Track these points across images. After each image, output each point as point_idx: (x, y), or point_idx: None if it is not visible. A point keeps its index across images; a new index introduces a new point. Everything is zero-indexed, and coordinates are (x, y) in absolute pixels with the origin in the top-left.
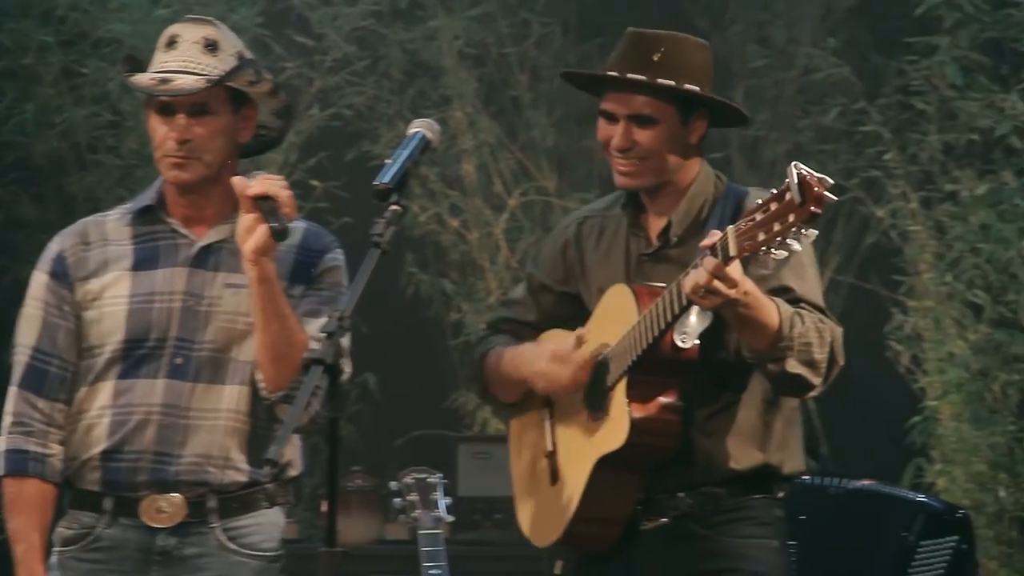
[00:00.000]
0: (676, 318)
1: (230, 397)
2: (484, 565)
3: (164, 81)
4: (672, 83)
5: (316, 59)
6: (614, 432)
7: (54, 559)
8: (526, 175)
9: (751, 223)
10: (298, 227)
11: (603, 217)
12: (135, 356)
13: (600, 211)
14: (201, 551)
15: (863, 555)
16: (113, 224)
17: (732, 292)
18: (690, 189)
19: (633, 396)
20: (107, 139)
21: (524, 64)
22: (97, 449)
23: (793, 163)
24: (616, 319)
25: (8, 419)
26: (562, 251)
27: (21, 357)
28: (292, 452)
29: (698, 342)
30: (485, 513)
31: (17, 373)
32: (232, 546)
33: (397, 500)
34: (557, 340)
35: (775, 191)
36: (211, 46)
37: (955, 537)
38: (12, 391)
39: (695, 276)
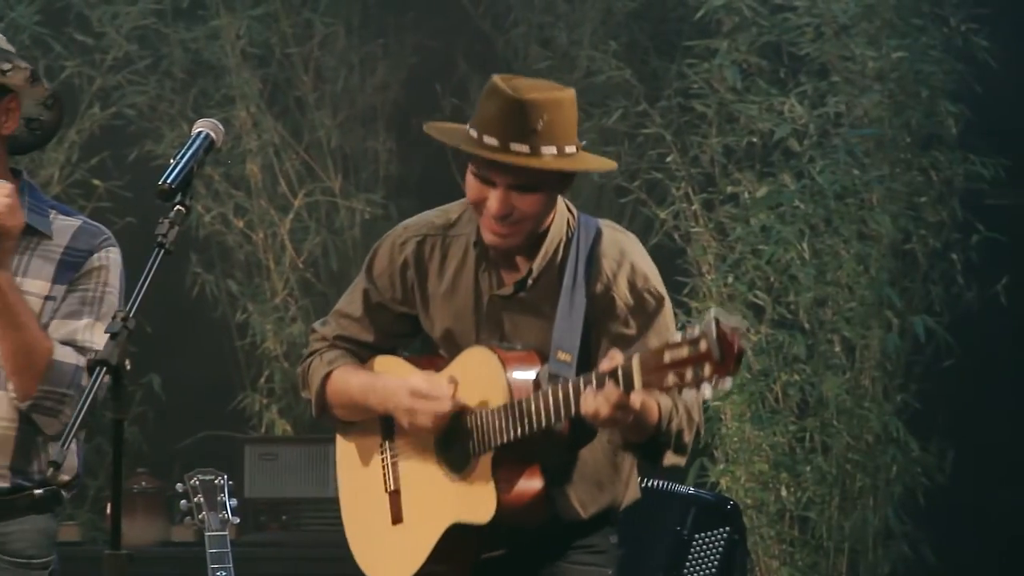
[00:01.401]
0: (561, 422)
1: None
2: (271, 566)
3: None
4: (565, 167)
5: (97, 57)
6: (478, 506)
7: None
8: (311, 175)
9: (659, 361)
10: (71, 225)
11: (444, 236)
12: None
13: (441, 229)
14: None
15: (645, 552)
16: None
17: (630, 419)
18: (549, 232)
19: (499, 475)
20: None
21: (308, 64)
22: None
23: (713, 314)
24: (480, 385)
25: None
26: (401, 269)
27: None
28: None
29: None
30: (272, 514)
31: None
32: None
33: (183, 502)
34: (422, 376)
35: (689, 336)
36: None
37: (727, 528)
38: None
39: (595, 404)
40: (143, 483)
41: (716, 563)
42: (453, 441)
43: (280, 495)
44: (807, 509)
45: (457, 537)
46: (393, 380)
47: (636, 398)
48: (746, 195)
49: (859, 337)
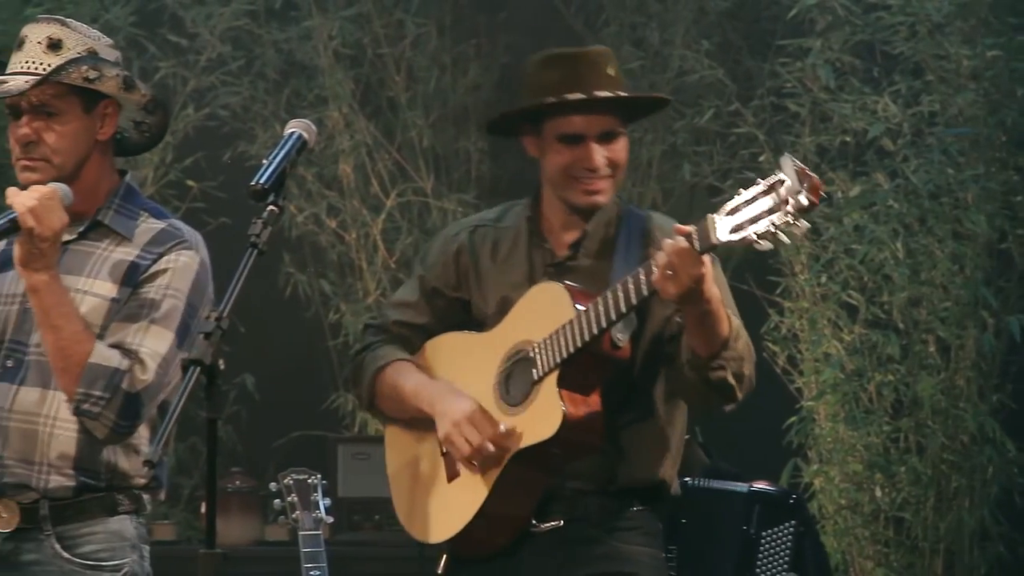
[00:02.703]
0: (628, 311)
1: (54, 402)
2: (364, 566)
3: (2, 83)
4: (653, 95)
5: (190, 59)
6: (541, 423)
7: None
8: (403, 176)
9: (735, 211)
10: (154, 228)
11: (495, 228)
12: None
13: (491, 222)
14: (37, 558)
15: (713, 555)
16: None
17: (702, 276)
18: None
19: (564, 387)
20: None
21: (400, 64)
22: None
23: (785, 154)
24: (544, 315)
25: None
26: (455, 256)
27: None
28: (134, 461)
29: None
30: (365, 514)
31: None
32: (66, 555)
33: (277, 501)
34: (470, 406)
35: (763, 181)
36: (54, 45)
37: (792, 522)
38: None
39: (671, 249)
40: (237, 482)
41: (787, 558)
42: (517, 382)
43: (373, 495)
44: (902, 510)
45: (514, 481)
46: (446, 389)
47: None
48: (839, 194)
49: (954, 337)
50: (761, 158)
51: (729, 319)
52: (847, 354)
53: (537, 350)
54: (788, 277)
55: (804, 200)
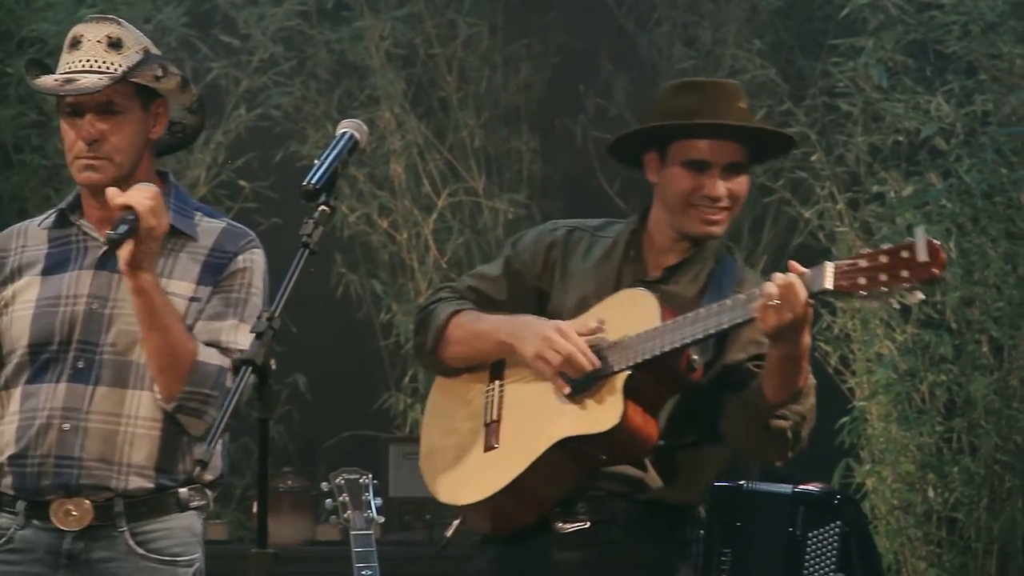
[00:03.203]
0: (716, 334)
1: (132, 401)
2: (415, 566)
3: (68, 81)
4: (782, 130)
5: (243, 59)
6: (598, 417)
7: None
8: (455, 176)
9: (852, 266)
10: (216, 227)
11: (593, 234)
12: (40, 360)
13: (591, 229)
14: (110, 555)
15: (760, 557)
16: (34, 229)
17: (804, 316)
18: (715, 239)
19: (629, 392)
20: (33, 139)
21: (452, 64)
22: (6, 454)
23: (920, 227)
24: (627, 317)
25: None
26: (547, 248)
27: None
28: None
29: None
30: (416, 514)
31: None
32: (140, 551)
33: (328, 501)
34: (563, 324)
35: (888, 246)
36: (115, 44)
37: (838, 522)
38: None
39: (783, 282)
40: (289, 482)
41: (834, 558)
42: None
43: (424, 494)
44: (955, 510)
45: (551, 465)
46: (534, 320)
47: (810, 311)
48: (892, 194)
49: (1007, 337)
50: (813, 158)
51: (807, 375)
52: (900, 354)
53: (612, 347)
54: None
55: (929, 273)
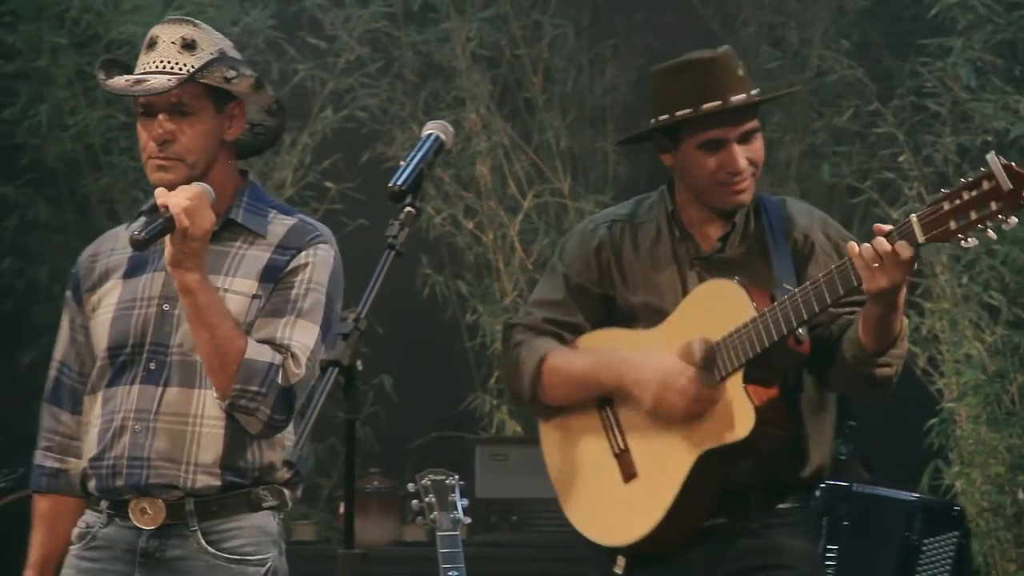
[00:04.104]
0: (823, 310)
1: (199, 401)
2: (502, 567)
3: (138, 82)
4: (782, 92)
5: (329, 61)
6: (733, 424)
7: (66, 557)
8: (540, 177)
9: (936, 212)
10: (286, 224)
11: (631, 223)
12: (118, 363)
13: (625, 217)
14: (182, 553)
15: (875, 559)
16: (124, 233)
17: (905, 276)
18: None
19: (751, 388)
20: (121, 140)
21: (537, 65)
22: (88, 457)
23: (991, 152)
24: (719, 313)
25: (40, 433)
26: (595, 252)
27: (51, 371)
28: (278, 456)
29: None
30: (502, 515)
31: (47, 388)
32: (212, 550)
33: (415, 502)
34: (670, 360)
35: (969, 179)
36: (188, 45)
37: (956, 532)
38: (43, 405)
39: (880, 247)
40: (376, 483)
41: (948, 567)
42: None
43: (511, 495)
44: None
45: (703, 473)
46: (634, 354)
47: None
48: None
49: None
50: (901, 158)
51: (903, 319)
52: (989, 355)
53: (717, 348)
54: (929, 278)
55: (1019, 200)
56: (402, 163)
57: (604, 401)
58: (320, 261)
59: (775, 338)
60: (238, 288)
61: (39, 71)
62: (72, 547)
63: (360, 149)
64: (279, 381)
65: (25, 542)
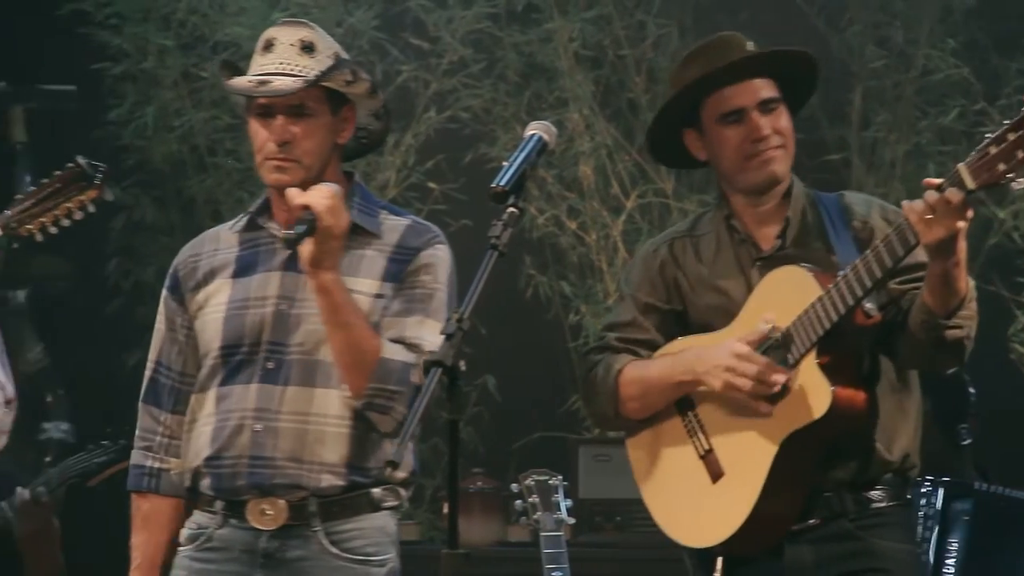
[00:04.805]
0: (888, 274)
1: (322, 400)
2: (606, 567)
3: (262, 83)
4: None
5: (432, 62)
6: (810, 405)
7: (176, 558)
8: (644, 177)
9: (984, 157)
10: (400, 224)
11: (691, 237)
12: (232, 362)
13: (685, 232)
14: (304, 554)
15: (1007, 558)
16: (226, 232)
17: (963, 224)
18: (792, 189)
19: (824, 367)
20: (226, 142)
21: (640, 66)
22: (202, 456)
23: None
24: (787, 299)
25: (136, 434)
26: (659, 270)
27: (147, 371)
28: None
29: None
30: (606, 515)
31: (143, 387)
32: (334, 550)
33: (518, 502)
34: (733, 342)
35: (1009, 122)
36: (307, 48)
37: None
38: (140, 405)
39: (931, 198)
40: (479, 483)
41: None
42: None
43: (614, 496)
44: None
45: (787, 464)
46: (705, 347)
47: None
48: None
49: None
50: None
51: (967, 279)
52: None
53: (788, 333)
54: None
55: None
56: (505, 164)
57: (685, 406)
58: (440, 261)
59: (842, 311)
60: (362, 288)
61: (145, 73)
62: (183, 548)
63: (463, 150)
64: (414, 380)
65: (128, 514)
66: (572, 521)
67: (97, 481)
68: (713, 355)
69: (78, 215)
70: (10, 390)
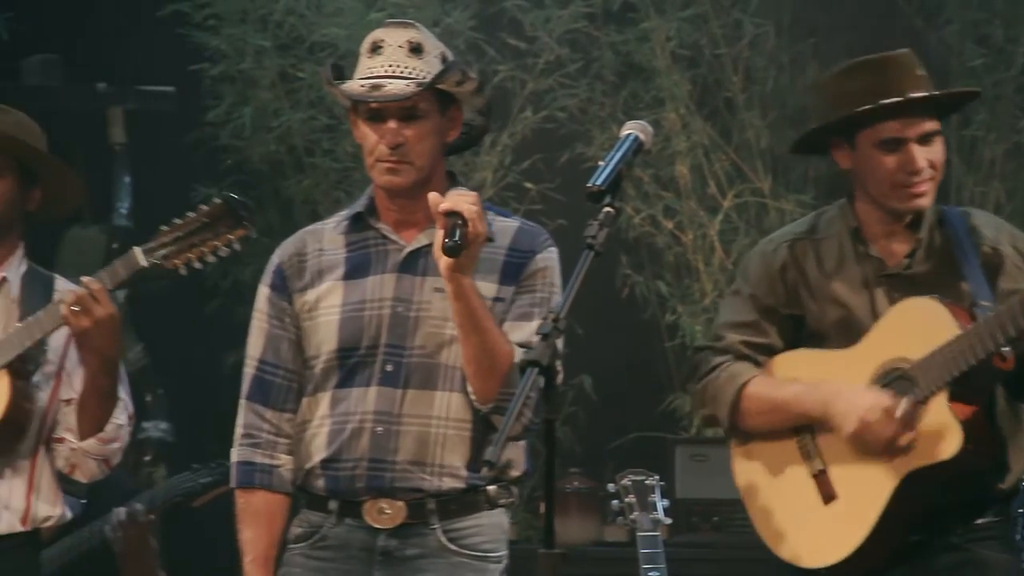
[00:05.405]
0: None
1: (442, 403)
2: (703, 568)
3: (375, 87)
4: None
5: (529, 62)
6: (937, 445)
7: (286, 555)
8: (740, 176)
9: None
10: (510, 226)
11: (812, 240)
12: (348, 365)
13: (805, 234)
14: (422, 552)
15: None
16: (329, 232)
17: None
18: (926, 211)
19: (955, 408)
20: (323, 142)
21: (737, 65)
22: (318, 458)
23: None
24: (919, 332)
25: (239, 431)
26: (780, 273)
27: (248, 369)
28: (514, 452)
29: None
30: (703, 515)
31: (245, 385)
32: (453, 547)
33: (615, 502)
34: (875, 395)
35: None
36: (416, 49)
37: None
38: (241, 403)
39: None
40: (576, 483)
41: None
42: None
43: (711, 496)
44: None
45: (906, 495)
46: (842, 389)
47: None
48: None
49: None
50: None
51: None
52: None
53: (918, 369)
54: None
55: None
56: (601, 163)
57: (802, 427)
58: (554, 264)
59: (982, 356)
60: (481, 291)
61: (243, 74)
62: (295, 546)
63: (559, 149)
64: (540, 385)
65: (231, 536)
66: (669, 521)
67: (202, 502)
68: (851, 401)
69: (224, 252)
70: (131, 407)
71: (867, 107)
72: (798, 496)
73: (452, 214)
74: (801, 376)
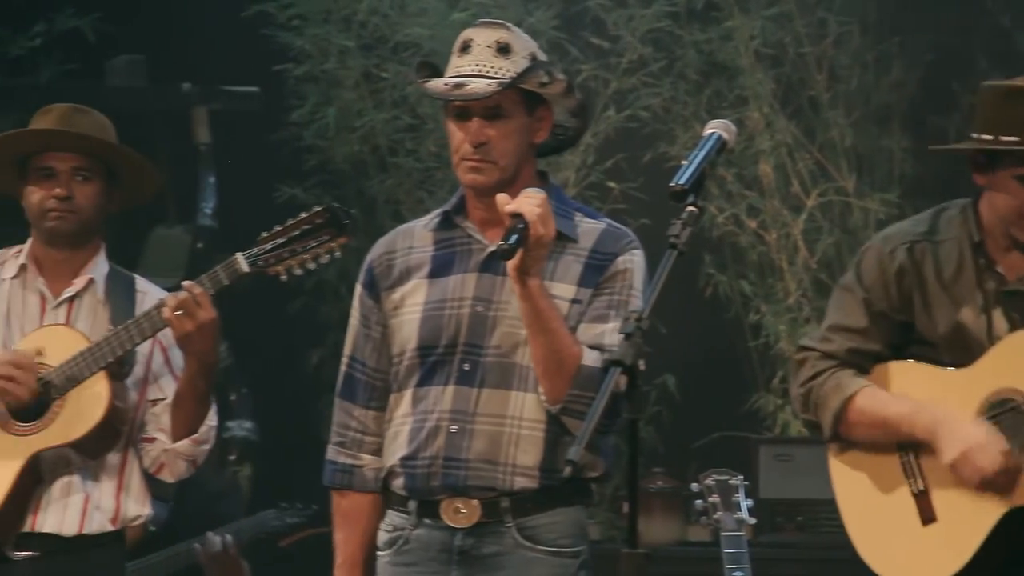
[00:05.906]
0: None
1: (516, 403)
2: (787, 568)
3: (458, 86)
4: None
5: (612, 61)
6: None
7: (378, 563)
8: (824, 175)
9: None
10: (596, 228)
11: (932, 243)
12: (428, 363)
13: (925, 236)
14: (499, 549)
15: None
16: (420, 230)
17: None
18: None
19: None
20: (407, 142)
21: (822, 64)
22: (398, 456)
23: None
24: None
25: (332, 428)
26: (896, 277)
27: (342, 367)
28: (591, 455)
29: None
30: (787, 515)
31: (338, 383)
32: (528, 543)
33: (698, 502)
34: (984, 434)
35: None
36: (503, 49)
37: None
38: (335, 400)
39: None
40: (659, 483)
41: None
42: (1009, 430)
43: (796, 496)
44: None
45: (1011, 524)
46: (955, 420)
47: None
48: None
49: None
50: None
51: None
52: None
53: None
54: None
55: None
56: (684, 162)
57: (907, 445)
58: (636, 266)
59: None
60: (558, 292)
61: (327, 74)
62: (383, 553)
63: (643, 148)
64: (612, 388)
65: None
66: (753, 521)
67: (288, 542)
68: (961, 434)
69: (324, 259)
70: (215, 419)
71: (1014, 143)
72: (896, 513)
73: (515, 216)
74: (910, 392)
